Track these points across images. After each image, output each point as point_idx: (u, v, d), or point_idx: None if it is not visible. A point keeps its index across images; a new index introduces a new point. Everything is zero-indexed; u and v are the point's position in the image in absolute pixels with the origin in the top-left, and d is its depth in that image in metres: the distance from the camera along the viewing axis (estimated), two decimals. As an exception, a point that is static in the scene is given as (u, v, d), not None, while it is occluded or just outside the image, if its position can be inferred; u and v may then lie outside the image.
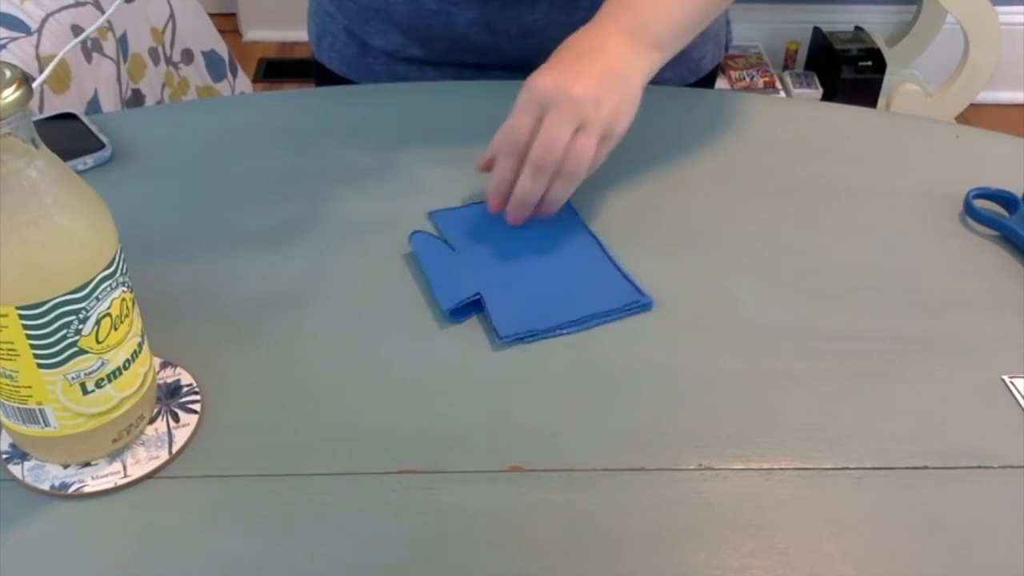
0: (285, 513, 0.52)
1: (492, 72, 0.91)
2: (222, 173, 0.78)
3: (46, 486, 0.53)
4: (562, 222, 0.71)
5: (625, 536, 0.52)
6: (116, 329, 0.51)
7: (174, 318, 0.63)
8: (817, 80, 2.42)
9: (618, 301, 0.65)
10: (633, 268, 0.68)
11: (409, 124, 0.84)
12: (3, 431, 0.55)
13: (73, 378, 0.50)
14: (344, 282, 0.67)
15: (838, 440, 0.57)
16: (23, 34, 1.34)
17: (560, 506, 0.53)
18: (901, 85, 2.31)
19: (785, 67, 2.54)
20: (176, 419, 0.57)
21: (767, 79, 2.43)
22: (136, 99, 1.56)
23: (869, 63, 2.34)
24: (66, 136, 0.79)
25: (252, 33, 2.78)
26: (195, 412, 0.58)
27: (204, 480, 0.54)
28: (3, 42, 1.30)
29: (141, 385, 0.54)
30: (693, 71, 0.96)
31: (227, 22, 2.74)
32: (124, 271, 0.51)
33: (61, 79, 1.32)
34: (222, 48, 1.88)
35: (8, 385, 0.50)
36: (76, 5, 1.45)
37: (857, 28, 2.45)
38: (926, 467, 0.56)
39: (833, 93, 2.37)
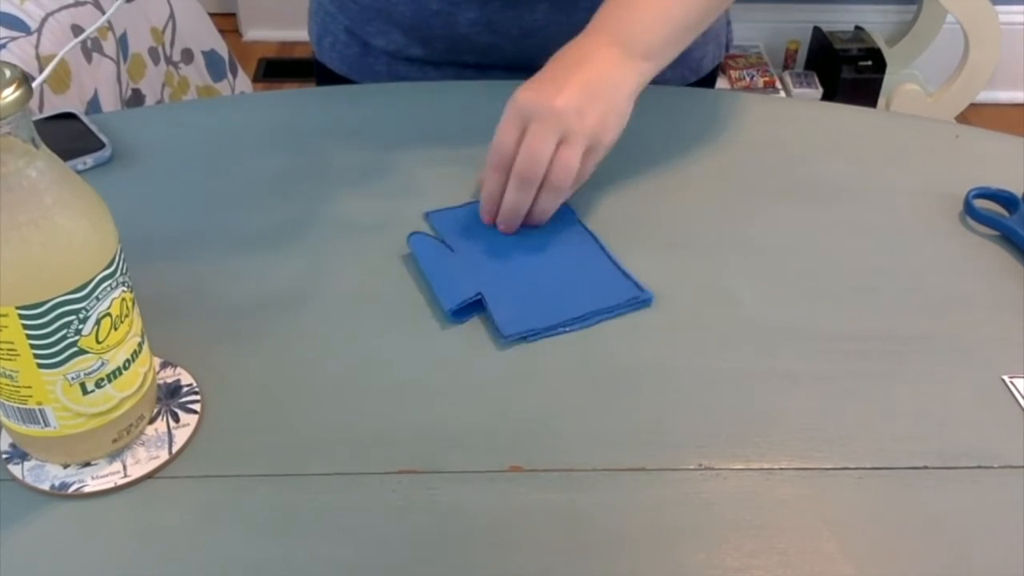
0: (285, 513, 0.52)
1: (493, 72, 0.91)
2: (222, 173, 0.78)
3: (46, 486, 0.53)
4: (559, 220, 0.71)
5: (625, 536, 0.52)
6: (116, 329, 0.51)
7: (174, 318, 0.63)
8: (817, 80, 2.42)
9: (618, 297, 0.65)
10: (633, 267, 0.68)
11: (410, 124, 0.84)
12: (3, 431, 0.55)
13: (73, 378, 0.50)
14: (344, 282, 0.67)
15: (838, 440, 0.57)
16: (23, 34, 1.34)
17: (560, 506, 0.53)
18: (901, 85, 2.31)
19: (785, 67, 2.54)
20: (176, 419, 0.57)
21: (767, 79, 2.43)
22: (136, 99, 1.56)
23: (869, 63, 2.34)
24: (66, 136, 0.79)
25: (252, 33, 2.78)
26: (195, 412, 0.58)
27: (204, 480, 0.54)
28: (3, 42, 1.30)
29: (141, 385, 0.54)
30: (694, 71, 0.96)
31: (227, 22, 2.74)
32: (124, 271, 0.51)
33: (61, 79, 1.32)
34: (222, 48, 1.88)
35: (8, 385, 0.50)
36: (76, 5, 1.45)
37: (857, 28, 2.45)
38: (926, 467, 0.56)
39: (833, 93, 2.37)
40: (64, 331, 0.48)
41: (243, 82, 1.96)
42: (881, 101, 2.36)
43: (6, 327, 0.47)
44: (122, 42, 1.53)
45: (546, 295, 0.66)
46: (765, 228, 0.73)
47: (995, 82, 2.45)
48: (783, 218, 0.74)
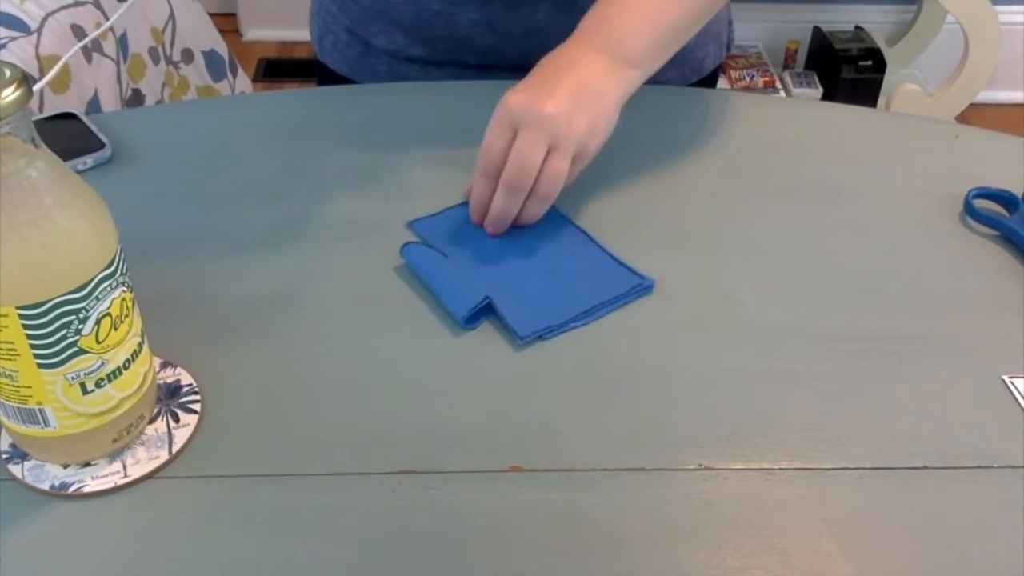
0: (285, 513, 0.52)
1: (495, 72, 0.91)
2: (222, 173, 0.78)
3: (46, 486, 0.53)
4: (546, 218, 0.71)
5: (625, 536, 0.52)
6: (116, 329, 0.51)
7: (174, 318, 0.63)
8: (817, 80, 2.42)
9: (621, 287, 0.66)
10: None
11: (410, 124, 0.84)
12: (3, 431, 0.55)
13: (73, 378, 0.50)
14: (344, 282, 0.67)
15: (838, 440, 0.57)
16: (23, 34, 1.34)
17: (560, 506, 0.53)
18: (901, 85, 2.31)
19: (785, 67, 2.54)
20: (176, 419, 0.57)
21: (767, 79, 2.43)
22: (136, 99, 1.56)
23: (869, 63, 2.34)
24: (66, 136, 0.79)
25: (252, 33, 2.78)
26: (195, 412, 0.57)
27: (204, 480, 0.54)
28: (3, 42, 1.30)
29: (141, 385, 0.54)
30: (695, 70, 0.96)
31: (227, 22, 2.74)
32: (124, 271, 0.51)
33: (61, 79, 1.32)
34: (222, 48, 1.88)
35: (8, 385, 0.50)
36: (76, 5, 1.45)
37: (857, 28, 2.45)
38: (926, 467, 0.56)
39: (833, 93, 2.37)
40: (64, 331, 0.48)
41: (243, 82, 1.96)
42: (881, 101, 2.36)
43: (6, 327, 0.47)
44: (122, 42, 1.53)
45: (552, 293, 0.66)
46: (765, 228, 0.73)
47: (995, 82, 2.45)
48: (783, 218, 0.74)
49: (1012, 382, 0.61)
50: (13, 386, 0.50)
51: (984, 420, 0.59)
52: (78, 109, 1.02)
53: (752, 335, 0.64)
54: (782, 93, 2.42)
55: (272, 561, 0.50)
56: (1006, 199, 0.75)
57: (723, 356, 0.62)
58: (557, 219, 0.72)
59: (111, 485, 0.53)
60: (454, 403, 0.59)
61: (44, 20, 1.38)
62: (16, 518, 0.52)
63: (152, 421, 0.57)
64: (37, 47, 1.33)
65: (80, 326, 0.49)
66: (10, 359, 0.48)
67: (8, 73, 0.44)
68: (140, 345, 0.53)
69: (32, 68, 1.30)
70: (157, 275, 0.66)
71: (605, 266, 0.68)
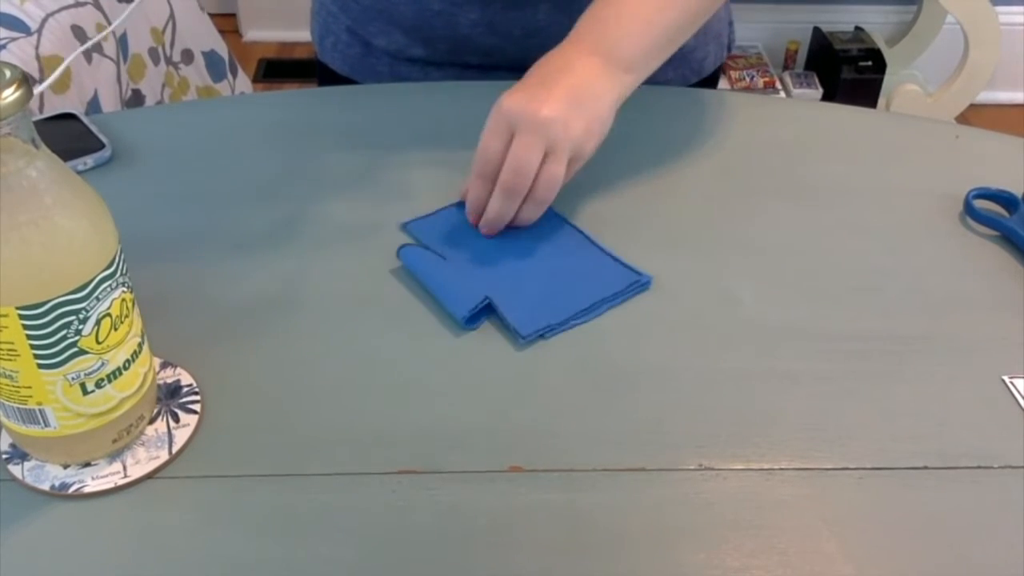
0: (285, 513, 0.52)
1: (495, 73, 0.91)
2: (222, 173, 0.78)
3: (46, 486, 0.53)
4: (541, 217, 0.71)
5: (625, 536, 0.52)
6: (116, 329, 0.51)
7: (174, 318, 0.64)
8: (817, 80, 2.42)
9: (619, 284, 0.66)
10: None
11: (410, 125, 0.84)
12: (3, 431, 0.55)
13: (73, 378, 0.50)
14: (344, 282, 0.67)
15: (838, 440, 0.57)
16: (23, 34, 1.34)
17: (560, 506, 0.53)
18: (901, 85, 2.31)
19: (785, 67, 2.54)
20: (176, 419, 0.57)
21: (767, 79, 2.43)
22: (136, 99, 1.56)
23: (869, 63, 2.34)
24: (66, 136, 0.79)
25: (252, 33, 2.78)
26: (195, 412, 0.58)
27: (204, 480, 0.54)
28: (3, 42, 1.30)
29: (141, 385, 0.54)
30: (696, 71, 0.96)
31: (227, 22, 2.74)
32: (124, 271, 0.51)
33: (61, 80, 1.32)
34: (222, 48, 1.88)
35: (8, 385, 0.50)
36: (76, 5, 1.45)
37: (857, 28, 2.45)
38: (926, 467, 0.56)
39: (833, 93, 2.37)
40: (64, 331, 0.48)
41: (243, 82, 1.96)
42: (881, 101, 2.36)
43: (6, 327, 0.47)
44: (122, 42, 1.53)
45: (552, 291, 0.66)
46: (765, 228, 0.73)
47: (995, 82, 2.45)
48: (783, 218, 0.74)
49: (1012, 382, 0.61)
50: (13, 386, 0.50)
51: (984, 420, 0.59)
52: (78, 109, 1.02)
53: (752, 335, 0.64)
54: (782, 93, 2.42)
55: (272, 561, 0.50)
56: (1006, 199, 0.75)
57: (723, 356, 0.62)
58: (553, 219, 0.72)
59: (111, 485, 0.53)
60: (454, 403, 0.59)
61: (44, 21, 1.38)
62: (16, 518, 0.52)
63: (152, 421, 0.57)
64: (37, 48, 1.33)
65: (80, 326, 0.49)
66: (10, 359, 0.48)
67: (8, 74, 0.44)
68: (140, 345, 0.53)
69: (32, 69, 1.30)
70: (157, 275, 0.66)
71: (601, 264, 0.68)
